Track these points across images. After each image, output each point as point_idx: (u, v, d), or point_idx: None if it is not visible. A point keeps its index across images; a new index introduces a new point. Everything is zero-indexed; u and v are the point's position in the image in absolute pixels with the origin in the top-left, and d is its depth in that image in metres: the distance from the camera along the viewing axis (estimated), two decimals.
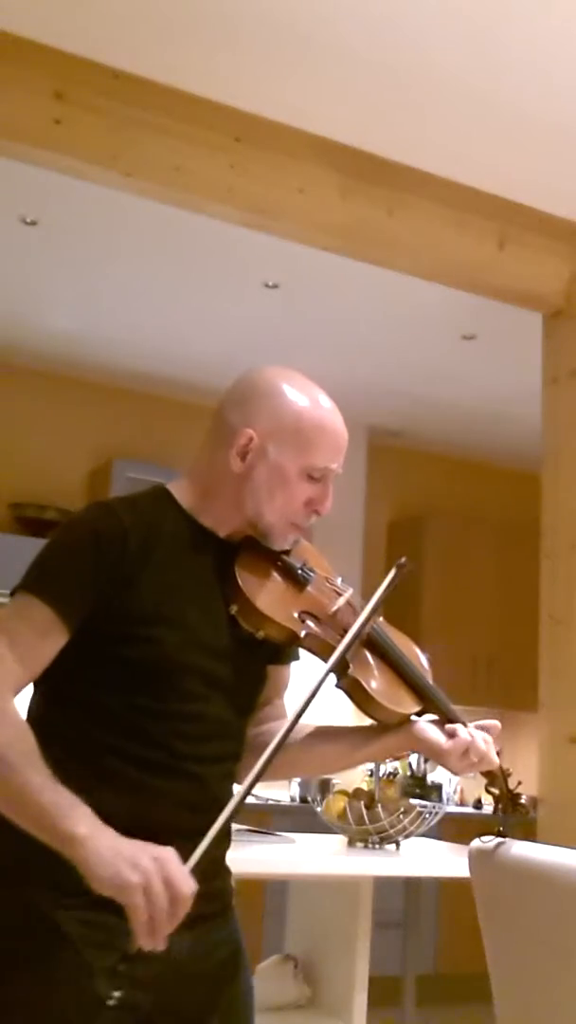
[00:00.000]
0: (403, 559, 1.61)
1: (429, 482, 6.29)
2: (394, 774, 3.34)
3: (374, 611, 1.56)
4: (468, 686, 5.52)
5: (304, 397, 1.56)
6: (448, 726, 1.56)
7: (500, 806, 1.69)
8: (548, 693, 3.53)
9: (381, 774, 3.22)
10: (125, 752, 1.45)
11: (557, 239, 3.60)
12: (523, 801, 1.69)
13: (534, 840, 2.10)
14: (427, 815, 2.97)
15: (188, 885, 1.27)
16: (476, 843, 1.81)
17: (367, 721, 1.61)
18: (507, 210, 3.50)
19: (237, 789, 1.45)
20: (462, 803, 5.89)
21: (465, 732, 1.55)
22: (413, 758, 5.21)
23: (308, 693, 1.43)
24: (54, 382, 5.41)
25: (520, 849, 1.73)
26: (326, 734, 1.62)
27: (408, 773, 5.33)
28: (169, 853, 1.28)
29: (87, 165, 2.93)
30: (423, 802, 3.13)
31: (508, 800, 1.68)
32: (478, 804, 5.77)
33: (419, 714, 1.59)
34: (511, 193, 3.47)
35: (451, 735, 1.55)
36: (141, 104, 2.94)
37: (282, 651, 1.65)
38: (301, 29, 2.77)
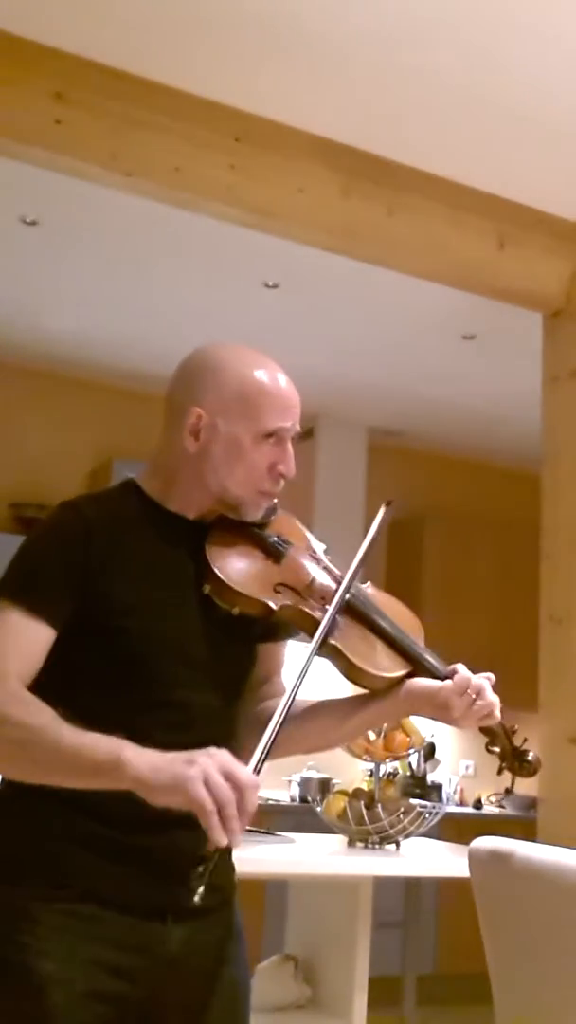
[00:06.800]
0: (390, 500, 1.64)
1: (429, 482, 6.29)
2: (394, 774, 3.33)
3: (358, 569, 1.54)
4: None
5: (244, 364, 1.55)
6: (445, 668, 1.55)
7: (505, 764, 1.62)
8: (548, 693, 3.53)
9: (381, 774, 3.21)
10: None
11: (557, 239, 3.60)
12: (530, 759, 1.60)
13: (534, 840, 2.10)
14: (427, 815, 2.97)
15: (249, 775, 1.25)
16: (476, 843, 1.81)
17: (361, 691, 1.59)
18: (507, 210, 3.50)
19: None
20: (462, 803, 5.88)
21: (464, 669, 1.54)
22: (413, 758, 5.20)
23: (300, 668, 1.42)
24: (54, 382, 5.41)
25: (521, 849, 1.73)
26: (318, 707, 1.61)
27: (408, 773, 5.32)
28: (222, 751, 1.27)
29: (87, 165, 2.93)
30: (423, 802, 3.13)
31: (512, 756, 1.61)
32: (478, 804, 5.77)
33: (408, 676, 1.55)
34: (511, 193, 3.47)
35: (448, 675, 1.53)
36: (141, 104, 2.94)
37: (274, 629, 1.63)
38: (301, 29, 2.77)
